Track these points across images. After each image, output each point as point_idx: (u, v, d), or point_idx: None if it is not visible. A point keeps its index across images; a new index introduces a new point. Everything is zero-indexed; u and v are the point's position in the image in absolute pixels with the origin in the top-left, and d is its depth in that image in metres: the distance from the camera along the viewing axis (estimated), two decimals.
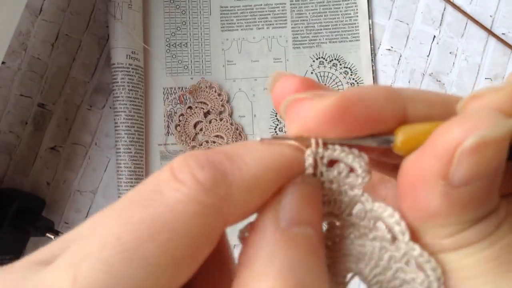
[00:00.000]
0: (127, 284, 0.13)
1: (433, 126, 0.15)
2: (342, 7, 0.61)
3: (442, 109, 0.17)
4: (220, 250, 0.18)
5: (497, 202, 0.15)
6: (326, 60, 0.61)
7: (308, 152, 0.17)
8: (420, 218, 0.15)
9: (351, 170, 0.17)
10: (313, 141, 0.16)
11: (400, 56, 0.61)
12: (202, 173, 0.14)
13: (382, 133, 0.16)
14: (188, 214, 0.14)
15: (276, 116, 0.60)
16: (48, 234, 0.53)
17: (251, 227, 0.16)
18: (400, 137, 0.16)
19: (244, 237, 0.16)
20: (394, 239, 0.16)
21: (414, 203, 0.15)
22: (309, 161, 0.17)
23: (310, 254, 0.15)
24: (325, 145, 0.17)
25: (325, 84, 0.60)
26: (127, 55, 0.57)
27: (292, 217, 0.15)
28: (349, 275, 0.18)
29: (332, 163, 0.17)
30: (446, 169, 0.14)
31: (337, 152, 0.17)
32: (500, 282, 0.15)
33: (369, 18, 0.61)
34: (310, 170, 0.17)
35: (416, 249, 0.16)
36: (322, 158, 0.17)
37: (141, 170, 0.58)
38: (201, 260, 0.14)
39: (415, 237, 0.16)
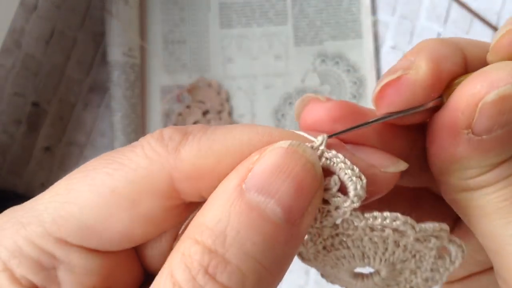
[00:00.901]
0: (73, 196, 0.16)
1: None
2: (345, 3, 0.60)
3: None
4: None
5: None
6: (328, 58, 0.59)
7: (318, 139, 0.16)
8: (446, 162, 0.17)
9: (343, 189, 0.16)
10: (319, 138, 0.16)
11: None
12: (168, 129, 0.16)
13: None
14: (139, 156, 0.16)
15: (276, 115, 0.59)
16: None
17: None
18: (446, 95, 0.16)
19: None
20: (402, 233, 0.17)
21: (440, 149, 0.17)
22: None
23: (256, 230, 0.14)
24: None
25: (327, 83, 0.59)
26: (123, 52, 0.56)
27: (258, 181, 0.14)
28: (357, 269, 0.18)
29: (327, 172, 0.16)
30: (469, 121, 0.16)
31: (335, 160, 0.16)
32: None
33: (372, 15, 0.60)
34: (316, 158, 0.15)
35: (429, 225, 0.17)
36: (323, 157, 0.16)
37: None
38: (142, 209, 0.16)
39: (441, 179, 0.17)
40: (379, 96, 0.17)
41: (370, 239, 0.17)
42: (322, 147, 0.16)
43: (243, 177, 0.14)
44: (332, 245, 0.17)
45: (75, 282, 0.16)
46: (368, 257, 0.18)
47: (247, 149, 0.16)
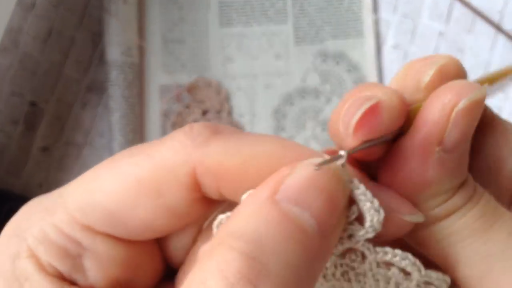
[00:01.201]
0: (98, 184, 0.17)
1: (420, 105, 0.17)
2: (346, 2, 0.60)
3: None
4: None
5: (467, 171, 0.17)
6: (329, 57, 0.59)
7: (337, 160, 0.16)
8: (416, 189, 0.17)
9: (360, 218, 0.16)
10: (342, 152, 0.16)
11: (406, 52, 0.59)
12: (198, 125, 0.17)
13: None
14: (166, 148, 0.16)
15: (276, 115, 0.59)
16: None
17: None
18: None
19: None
20: (407, 274, 0.17)
21: (410, 175, 0.17)
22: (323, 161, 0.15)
23: (292, 238, 0.14)
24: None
25: (328, 82, 0.59)
26: (121, 52, 0.56)
27: (292, 192, 0.14)
28: None
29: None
30: (441, 133, 0.16)
31: (358, 191, 0.16)
32: (490, 235, 0.16)
33: (373, 13, 0.60)
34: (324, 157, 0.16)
35: (433, 273, 0.17)
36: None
37: None
38: (166, 200, 0.16)
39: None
40: (360, 124, 0.16)
41: (373, 275, 0.17)
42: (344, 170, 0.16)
43: (274, 189, 0.14)
44: (333, 275, 0.17)
45: (100, 270, 0.17)
46: None
47: (274, 159, 0.16)
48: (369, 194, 0.16)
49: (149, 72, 0.59)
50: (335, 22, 0.60)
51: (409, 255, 0.17)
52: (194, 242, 0.19)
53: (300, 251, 0.14)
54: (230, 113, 0.59)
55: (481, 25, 0.59)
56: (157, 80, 0.59)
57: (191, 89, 0.59)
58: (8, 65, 0.58)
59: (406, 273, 0.17)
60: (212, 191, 0.17)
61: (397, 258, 0.17)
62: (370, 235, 0.16)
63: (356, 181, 0.16)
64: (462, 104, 0.16)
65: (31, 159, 0.58)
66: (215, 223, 0.17)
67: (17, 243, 0.16)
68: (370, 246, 0.16)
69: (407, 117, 0.17)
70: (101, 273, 0.17)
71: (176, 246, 0.19)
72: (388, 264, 0.17)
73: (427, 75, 0.17)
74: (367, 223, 0.16)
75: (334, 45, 0.59)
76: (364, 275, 0.17)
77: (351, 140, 0.16)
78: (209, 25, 0.60)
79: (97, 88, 0.59)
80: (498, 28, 0.58)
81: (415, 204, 0.17)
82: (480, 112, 0.16)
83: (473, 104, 0.16)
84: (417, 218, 0.17)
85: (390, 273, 0.17)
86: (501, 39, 0.59)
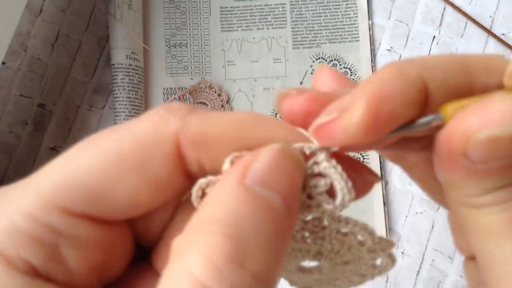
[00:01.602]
0: (76, 162, 0.15)
1: (469, 103, 0.15)
2: (342, 8, 0.61)
3: (461, 75, 0.17)
4: None
5: None
6: (326, 60, 0.61)
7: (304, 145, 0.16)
8: (447, 178, 0.17)
9: (331, 191, 0.16)
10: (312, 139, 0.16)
11: (400, 56, 0.60)
12: (176, 103, 0.16)
13: (422, 115, 0.16)
14: (147, 121, 0.16)
15: (276, 116, 0.60)
16: None
17: (211, 183, 0.16)
18: (449, 114, 0.16)
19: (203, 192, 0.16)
20: (361, 242, 0.18)
21: (441, 168, 0.17)
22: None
23: (265, 218, 0.14)
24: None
25: None
26: (127, 55, 0.57)
27: (259, 176, 0.15)
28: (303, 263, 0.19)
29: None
30: (463, 149, 0.15)
31: (333, 170, 0.16)
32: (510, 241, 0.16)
33: (368, 19, 0.61)
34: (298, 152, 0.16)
35: (384, 240, 0.18)
36: (316, 163, 0.16)
37: None
38: (150, 173, 0.16)
39: (446, 190, 0.18)
40: (315, 133, 0.17)
41: (331, 240, 0.18)
42: (322, 155, 0.16)
43: (243, 174, 0.15)
44: (293, 237, 0.18)
45: (81, 258, 0.15)
46: (321, 255, 0.19)
47: (252, 126, 0.16)
48: (344, 175, 0.16)
49: (153, 75, 0.60)
50: (332, 27, 0.61)
51: (368, 226, 0.17)
52: (169, 220, 0.18)
53: (274, 228, 0.14)
54: None
55: (473, 29, 0.60)
56: (161, 83, 0.60)
57: (193, 91, 0.60)
58: (17, 68, 0.59)
59: (360, 242, 0.18)
60: (193, 162, 0.16)
61: (357, 228, 0.18)
62: (338, 211, 0.17)
63: (333, 161, 0.16)
64: (482, 135, 0.15)
65: (39, 159, 0.59)
66: (195, 187, 0.16)
67: None
68: (335, 215, 0.17)
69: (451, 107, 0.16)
70: (82, 260, 0.15)
71: (149, 225, 0.18)
72: (349, 232, 0.18)
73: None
74: (338, 201, 0.16)
75: (330, 48, 0.61)
76: (323, 238, 0.18)
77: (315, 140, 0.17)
78: (210, 29, 0.61)
79: (103, 90, 0.60)
80: (489, 32, 0.60)
81: (451, 187, 0.17)
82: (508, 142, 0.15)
83: (497, 140, 0.14)
84: (376, 179, 0.18)
85: (346, 238, 0.18)
86: (492, 43, 0.60)
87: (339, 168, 0.16)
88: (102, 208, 0.15)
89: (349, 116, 0.16)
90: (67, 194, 0.15)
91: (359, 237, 0.18)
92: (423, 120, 0.16)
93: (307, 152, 0.16)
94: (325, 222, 0.18)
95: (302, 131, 0.17)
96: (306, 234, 0.18)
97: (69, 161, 0.16)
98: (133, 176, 0.16)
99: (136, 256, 0.18)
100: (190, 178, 0.17)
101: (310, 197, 0.17)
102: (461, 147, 0.15)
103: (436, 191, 0.22)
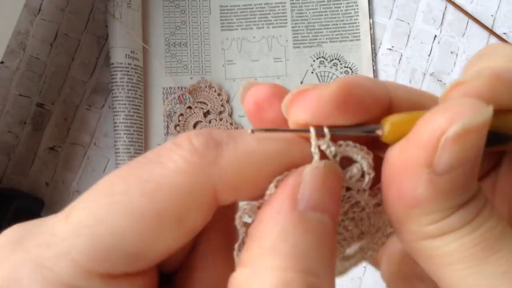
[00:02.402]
0: (108, 226, 0.14)
1: (419, 115, 0.15)
2: (343, 6, 0.61)
3: (424, 98, 0.18)
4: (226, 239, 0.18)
5: (477, 188, 0.16)
6: (326, 59, 0.60)
7: (317, 142, 0.16)
8: (405, 206, 0.16)
9: (362, 173, 0.17)
10: (312, 130, 0.16)
11: (401, 55, 0.60)
12: (197, 138, 0.16)
13: (369, 122, 0.17)
14: (176, 171, 0.15)
15: None
16: None
17: (255, 209, 0.16)
18: (387, 126, 0.16)
19: (244, 223, 0.16)
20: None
21: (399, 192, 0.16)
22: (316, 150, 0.16)
23: (324, 242, 0.15)
24: (328, 138, 0.17)
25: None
26: (126, 54, 0.57)
27: (311, 201, 0.15)
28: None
29: (343, 161, 0.17)
30: (430, 158, 0.15)
31: (349, 148, 0.17)
32: (483, 266, 0.15)
33: (369, 18, 0.61)
34: (317, 159, 0.16)
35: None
36: (335, 156, 0.17)
37: None
38: (188, 225, 0.15)
39: (400, 226, 0.17)
40: (288, 105, 0.17)
41: (369, 217, 0.18)
42: (328, 141, 0.17)
43: (292, 199, 0.15)
44: (337, 233, 0.19)
45: None
46: (363, 234, 0.19)
47: (282, 158, 0.16)
48: (357, 145, 0.17)
49: (152, 74, 0.60)
50: (333, 26, 0.61)
51: None
52: (191, 247, 0.18)
53: (329, 249, 0.15)
54: (231, 114, 0.60)
55: (474, 28, 0.60)
56: (160, 82, 0.60)
57: (193, 91, 0.60)
58: (16, 67, 0.59)
59: None
60: (229, 201, 0.16)
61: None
62: (372, 175, 0.17)
63: (343, 142, 0.17)
64: (452, 130, 0.14)
65: (38, 158, 0.59)
66: (239, 213, 0.16)
67: None
68: (371, 192, 0.18)
69: (404, 121, 0.16)
70: None
71: (172, 255, 0.17)
72: (379, 204, 0.18)
73: (444, 91, 0.16)
74: (365, 167, 0.17)
75: (331, 48, 0.61)
76: (362, 219, 0.18)
77: (286, 117, 0.17)
78: (210, 28, 0.61)
79: (102, 90, 0.60)
80: (491, 31, 0.59)
81: (407, 218, 0.16)
82: (481, 137, 0.14)
83: (466, 131, 0.14)
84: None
85: (381, 207, 0.18)
86: (494, 42, 0.60)
87: (350, 142, 0.17)
88: (141, 264, 0.15)
89: (323, 87, 0.16)
90: (105, 260, 0.14)
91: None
92: (368, 127, 0.17)
93: (320, 144, 0.17)
94: (363, 203, 0.18)
95: (277, 128, 0.17)
96: (347, 222, 0.18)
97: (97, 221, 0.14)
98: (171, 232, 0.15)
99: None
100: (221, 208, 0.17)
101: (348, 189, 0.17)
102: (428, 155, 0.15)
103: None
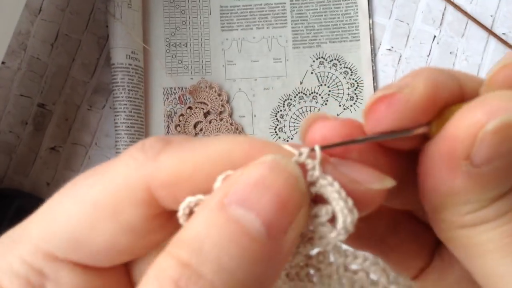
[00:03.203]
0: (58, 212, 0.16)
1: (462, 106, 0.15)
2: (342, 7, 0.61)
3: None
4: None
5: (509, 183, 0.16)
6: (326, 60, 0.60)
7: (298, 156, 0.15)
8: (442, 196, 0.16)
9: (332, 219, 0.15)
10: (317, 148, 0.15)
11: (400, 56, 0.60)
12: (150, 140, 0.16)
13: (419, 124, 0.16)
14: (119, 166, 0.16)
15: (276, 116, 0.60)
16: None
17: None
18: (435, 122, 0.16)
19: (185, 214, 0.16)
20: (373, 282, 0.16)
21: (437, 182, 0.16)
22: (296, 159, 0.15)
23: (235, 245, 0.13)
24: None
25: (325, 84, 0.60)
26: (126, 55, 0.57)
27: (239, 195, 0.13)
28: None
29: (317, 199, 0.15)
30: (468, 150, 0.15)
31: (331, 188, 0.14)
32: None
33: (369, 18, 0.61)
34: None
35: (401, 279, 0.16)
36: (311, 184, 0.15)
37: None
38: (123, 219, 0.16)
39: (435, 215, 0.16)
40: (370, 109, 0.16)
41: (339, 278, 0.16)
42: (316, 172, 0.15)
43: (226, 192, 0.14)
44: (297, 275, 0.16)
45: None
46: None
47: (227, 158, 0.15)
48: (343, 193, 0.14)
49: (153, 75, 0.60)
50: (332, 26, 0.61)
51: (380, 261, 0.16)
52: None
53: (238, 255, 0.13)
54: (231, 114, 0.60)
55: (473, 29, 0.60)
56: (161, 83, 0.60)
57: (193, 91, 0.60)
58: (17, 68, 0.59)
59: (372, 281, 0.16)
60: (170, 202, 0.16)
61: (367, 263, 0.16)
62: (342, 237, 0.15)
63: (329, 178, 0.15)
64: (490, 126, 0.14)
65: (39, 158, 0.59)
66: (183, 204, 0.15)
67: None
68: (341, 248, 0.16)
69: (442, 115, 0.16)
70: None
71: (142, 271, 0.17)
72: (359, 269, 0.16)
73: (489, 74, 0.16)
74: (340, 224, 0.14)
75: (331, 48, 0.61)
76: (330, 277, 0.16)
77: (365, 125, 0.16)
78: (210, 29, 0.61)
79: (103, 90, 0.60)
80: (490, 32, 0.59)
81: (444, 207, 0.16)
82: None
83: (505, 127, 0.14)
84: (386, 183, 0.16)
85: (356, 277, 0.16)
86: (493, 42, 0.60)
87: (336, 185, 0.14)
88: (82, 253, 0.16)
89: (411, 92, 0.15)
90: (51, 241, 0.16)
91: (372, 276, 0.16)
92: (417, 129, 0.16)
93: (301, 158, 0.15)
94: (331, 258, 0.16)
95: (290, 148, 0.15)
96: (311, 271, 0.16)
97: (53, 208, 0.17)
98: (107, 223, 0.16)
99: None
100: (173, 216, 0.16)
101: (310, 229, 0.15)
102: (466, 148, 0.15)
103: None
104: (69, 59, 0.60)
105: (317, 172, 0.15)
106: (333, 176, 0.15)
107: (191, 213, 0.15)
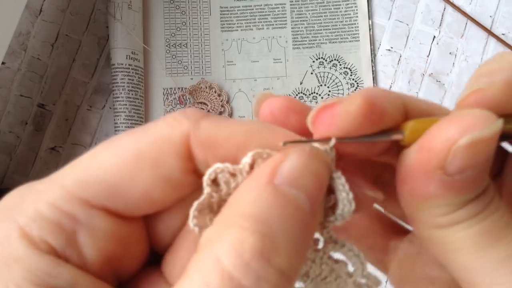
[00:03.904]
0: (98, 161, 0.17)
1: (435, 121, 0.17)
2: (342, 8, 0.61)
3: (434, 108, 0.19)
4: None
5: (487, 183, 0.17)
6: (326, 60, 0.61)
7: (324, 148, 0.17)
8: (418, 200, 0.17)
9: (333, 206, 0.17)
10: (333, 141, 0.17)
11: (400, 56, 0.61)
12: (191, 109, 0.18)
13: (389, 129, 0.18)
14: (163, 123, 0.17)
15: None
16: None
17: (228, 170, 0.17)
18: (407, 132, 0.18)
19: (212, 184, 0.17)
20: (350, 275, 0.18)
21: (413, 188, 0.17)
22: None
23: (292, 216, 0.15)
24: (339, 146, 0.17)
25: (325, 85, 0.60)
26: (127, 55, 0.57)
27: (288, 176, 0.16)
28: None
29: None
30: (442, 161, 0.16)
31: (339, 181, 0.17)
32: (488, 251, 0.17)
33: (369, 19, 0.61)
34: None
35: (371, 275, 0.18)
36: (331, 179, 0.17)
37: None
38: (164, 170, 0.17)
39: (413, 217, 0.18)
40: (315, 118, 0.18)
41: (321, 264, 0.18)
42: (332, 156, 0.17)
43: (272, 174, 0.16)
44: None
45: (95, 246, 0.16)
46: (307, 277, 0.19)
47: (257, 136, 0.17)
48: (347, 186, 0.17)
49: (153, 75, 0.60)
50: (332, 26, 0.61)
51: (361, 254, 0.18)
52: (181, 226, 0.19)
53: (299, 227, 0.15)
54: (231, 114, 0.60)
55: (473, 29, 0.60)
56: (161, 83, 0.60)
57: (193, 91, 0.60)
58: (17, 68, 0.59)
59: (348, 273, 0.18)
60: (201, 162, 0.17)
61: (350, 254, 0.18)
62: (338, 222, 0.17)
63: (339, 173, 0.17)
64: (464, 140, 0.15)
65: (39, 159, 0.59)
66: (210, 170, 0.17)
67: (7, 226, 0.16)
68: (333, 234, 0.18)
69: (421, 127, 0.17)
70: (95, 248, 0.16)
71: (163, 228, 0.19)
72: (336, 261, 0.18)
73: (460, 98, 0.17)
74: (338, 211, 0.17)
75: (330, 48, 0.61)
76: (313, 261, 0.18)
77: (312, 131, 0.18)
78: (210, 29, 0.61)
79: (103, 90, 0.60)
80: (489, 32, 0.60)
81: (419, 210, 0.17)
82: (489, 147, 0.16)
83: (477, 142, 0.15)
84: (378, 195, 0.18)
85: (336, 266, 0.18)
86: (492, 43, 0.60)
87: (343, 179, 0.17)
88: (119, 202, 0.17)
89: (349, 102, 0.17)
90: (87, 188, 0.16)
91: (349, 268, 0.18)
92: (390, 132, 0.18)
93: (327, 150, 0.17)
94: (320, 245, 0.18)
95: (302, 139, 0.18)
96: None
97: (90, 159, 0.17)
98: (148, 173, 0.17)
99: (150, 262, 0.19)
100: (199, 179, 0.18)
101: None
102: (440, 160, 0.16)
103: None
104: (70, 60, 0.60)
105: (329, 161, 0.17)
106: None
107: (215, 179, 0.17)
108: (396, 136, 0.18)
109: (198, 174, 0.18)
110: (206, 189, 0.17)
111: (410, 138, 0.17)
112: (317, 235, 0.18)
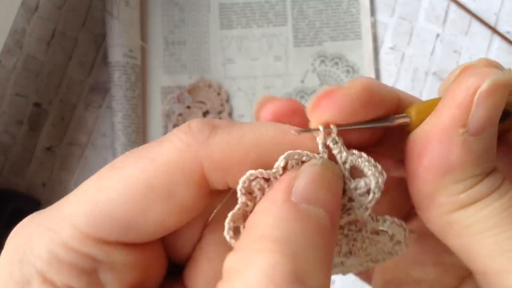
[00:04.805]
0: (106, 194, 0.16)
1: (439, 100, 0.17)
2: (344, 4, 0.60)
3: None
4: None
5: (496, 159, 0.17)
6: (327, 58, 0.60)
7: (319, 137, 0.17)
8: (437, 176, 0.17)
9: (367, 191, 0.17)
10: (321, 128, 0.17)
11: (403, 54, 0.60)
12: (196, 123, 0.17)
13: (389, 116, 0.18)
14: (170, 148, 0.16)
15: None
16: None
17: (263, 176, 0.17)
18: (414, 113, 0.17)
19: (247, 192, 0.17)
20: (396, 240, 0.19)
21: (432, 161, 0.17)
22: (322, 149, 0.17)
23: (316, 234, 0.15)
24: (342, 133, 0.17)
25: (327, 83, 0.60)
26: (124, 53, 0.56)
27: (305, 193, 0.16)
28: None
29: (353, 172, 0.17)
30: (465, 116, 0.16)
31: (362, 160, 0.17)
32: None
33: (371, 16, 0.60)
34: (324, 156, 0.17)
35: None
36: (344, 162, 0.17)
37: None
38: (177, 200, 0.16)
39: (430, 202, 0.17)
40: (314, 106, 0.17)
41: (363, 239, 0.19)
42: (343, 153, 0.17)
43: (286, 191, 0.16)
44: None
45: (118, 280, 0.16)
46: (351, 253, 0.19)
47: (274, 145, 0.17)
48: (372, 160, 0.17)
49: (151, 73, 0.60)
50: (334, 24, 0.60)
51: (403, 223, 0.18)
52: (199, 236, 0.19)
53: (324, 243, 0.15)
54: (230, 113, 0.60)
55: (477, 27, 0.59)
56: (159, 81, 0.60)
57: (192, 90, 0.59)
58: (12, 66, 0.59)
59: (394, 238, 0.19)
60: (219, 183, 0.17)
61: (393, 225, 0.18)
62: (377, 195, 0.17)
63: (356, 152, 0.17)
64: (485, 85, 0.16)
65: (35, 159, 0.58)
66: (243, 178, 0.17)
67: (23, 269, 0.15)
68: (373, 215, 0.18)
69: (427, 106, 0.17)
70: (117, 280, 0.16)
71: (182, 241, 0.19)
72: (377, 233, 0.18)
73: (453, 73, 0.18)
74: (373, 184, 0.17)
75: (332, 46, 0.60)
76: (355, 239, 0.19)
77: (310, 119, 0.18)
78: (209, 26, 0.61)
79: (100, 89, 0.60)
80: (494, 30, 0.59)
81: (438, 189, 0.17)
82: (505, 95, 0.16)
83: (496, 85, 0.16)
84: (401, 173, 0.18)
85: (379, 237, 0.19)
86: (497, 41, 0.59)
87: (365, 155, 0.17)
88: (133, 235, 0.17)
89: (349, 86, 0.17)
90: (99, 227, 0.16)
91: (390, 232, 0.18)
92: (395, 116, 0.18)
93: (328, 142, 0.17)
94: (360, 223, 0.18)
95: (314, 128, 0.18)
96: (340, 237, 0.19)
97: (97, 189, 0.17)
98: (160, 204, 0.16)
99: (170, 270, 0.19)
100: (217, 194, 0.18)
101: (351, 199, 0.17)
102: (463, 113, 0.16)
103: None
104: (66, 58, 0.60)
105: (344, 153, 0.17)
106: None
107: (249, 186, 0.17)
108: (402, 120, 0.18)
109: (213, 192, 0.18)
110: (241, 198, 0.17)
111: (418, 118, 0.17)
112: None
